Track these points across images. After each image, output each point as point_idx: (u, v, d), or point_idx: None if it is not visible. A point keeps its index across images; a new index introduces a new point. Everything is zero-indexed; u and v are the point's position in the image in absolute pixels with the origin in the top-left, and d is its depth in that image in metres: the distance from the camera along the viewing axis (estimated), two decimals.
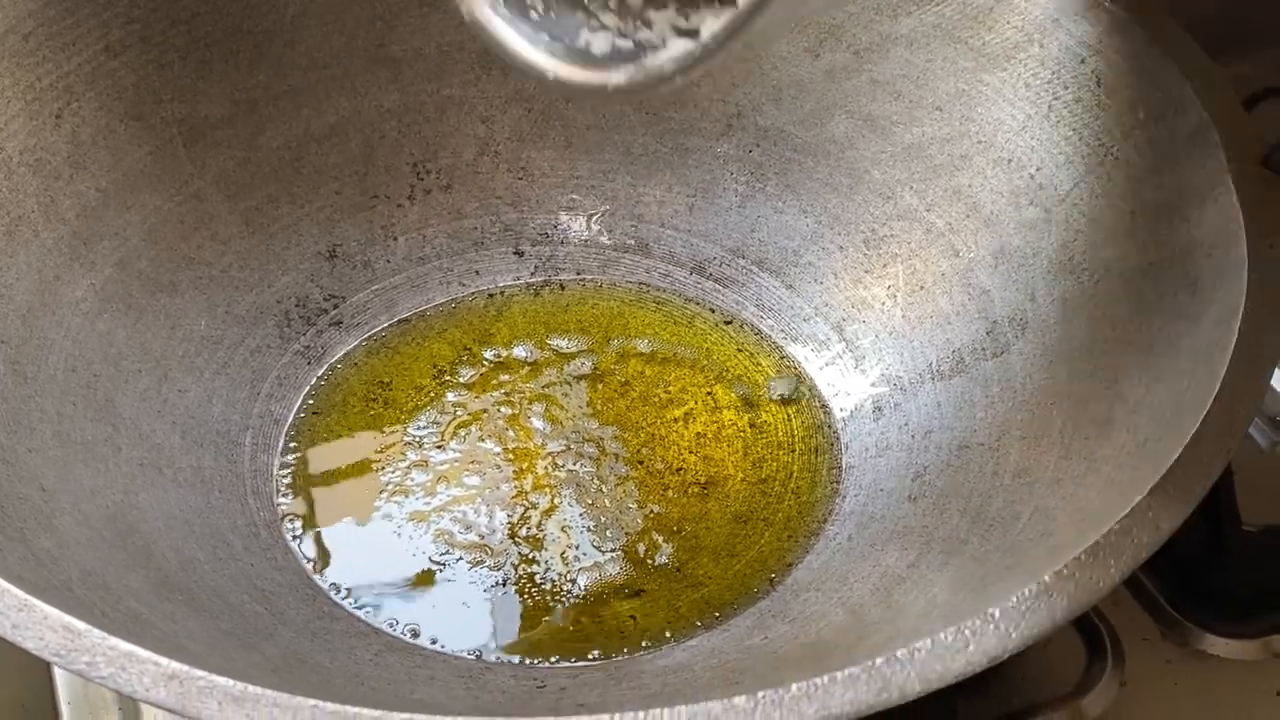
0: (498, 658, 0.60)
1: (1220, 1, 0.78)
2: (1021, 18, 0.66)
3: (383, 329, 0.75)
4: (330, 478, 0.68)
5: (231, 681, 0.39)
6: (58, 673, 0.60)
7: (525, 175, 0.79)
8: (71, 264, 0.63)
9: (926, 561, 0.57)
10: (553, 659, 0.60)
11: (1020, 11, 0.66)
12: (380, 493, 0.67)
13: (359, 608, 0.62)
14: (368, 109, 0.75)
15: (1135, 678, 0.60)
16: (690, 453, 0.69)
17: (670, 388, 0.73)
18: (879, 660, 0.39)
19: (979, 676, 0.41)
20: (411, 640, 0.60)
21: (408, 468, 0.68)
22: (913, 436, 0.66)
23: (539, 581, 0.63)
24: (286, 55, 0.72)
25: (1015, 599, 0.41)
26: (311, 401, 0.71)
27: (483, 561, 0.64)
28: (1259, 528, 0.64)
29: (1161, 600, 0.63)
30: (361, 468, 0.68)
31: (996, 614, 0.40)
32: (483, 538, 0.65)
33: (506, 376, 0.73)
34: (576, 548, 0.65)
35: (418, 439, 0.69)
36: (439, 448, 0.69)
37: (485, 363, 0.73)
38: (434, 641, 0.60)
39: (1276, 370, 0.73)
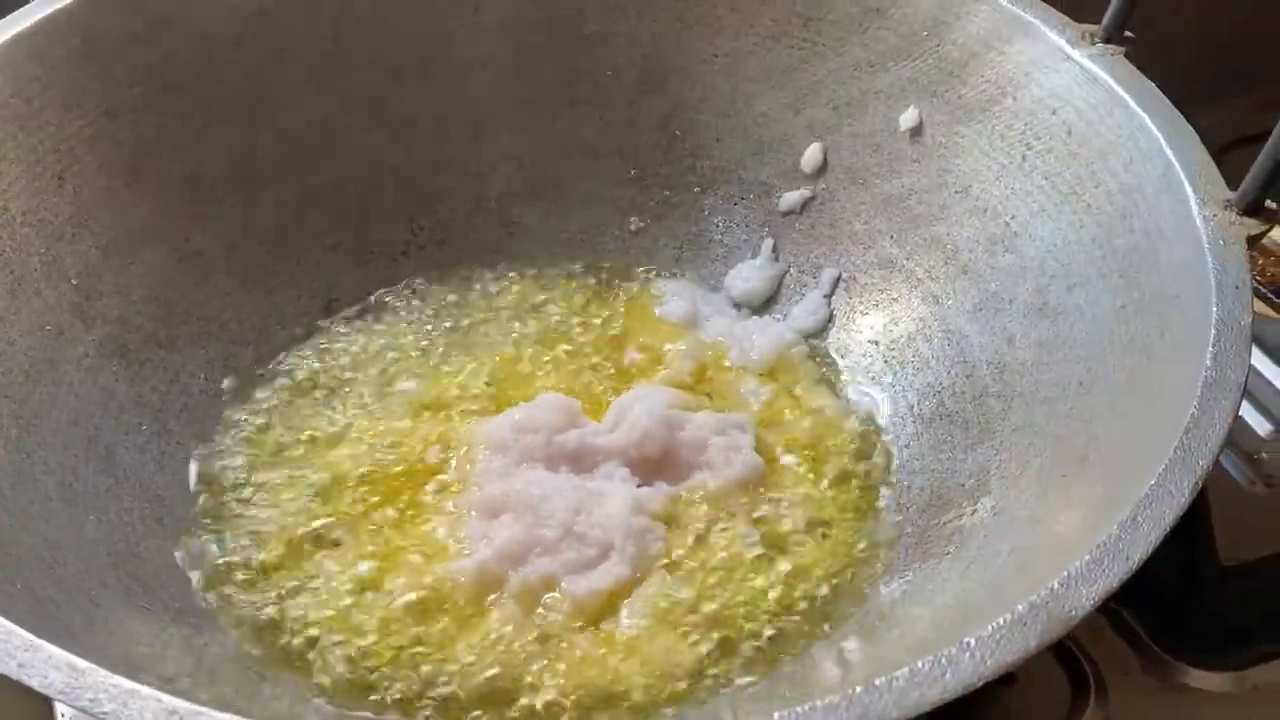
0: None
1: (1188, 53, 0.80)
2: (995, 71, 0.68)
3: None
4: None
5: (231, 717, 0.39)
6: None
7: (516, 230, 0.81)
8: (74, 320, 0.64)
9: (909, 600, 0.58)
10: None
11: (993, 66, 0.68)
12: None
13: None
14: (364, 167, 0.77)
15: (1118, 711, 0.60)
16: None
17: None
18: (858, 689, 0.40)
19: (963, 713, 0.42)
20: None
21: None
22: (895, 477, 0.67)
23: None
24: (284, 116, 0.74)
25: (990, 628, 0.42)
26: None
27: None
28: (1237, 563, 0.64)
29: (1143, 635, 0.64)
30: None
31: (971, 643, 0.41)
32: None
33: None
34: None
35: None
36: None
37: None
38: None
39: (1253, 409, 0.74)
